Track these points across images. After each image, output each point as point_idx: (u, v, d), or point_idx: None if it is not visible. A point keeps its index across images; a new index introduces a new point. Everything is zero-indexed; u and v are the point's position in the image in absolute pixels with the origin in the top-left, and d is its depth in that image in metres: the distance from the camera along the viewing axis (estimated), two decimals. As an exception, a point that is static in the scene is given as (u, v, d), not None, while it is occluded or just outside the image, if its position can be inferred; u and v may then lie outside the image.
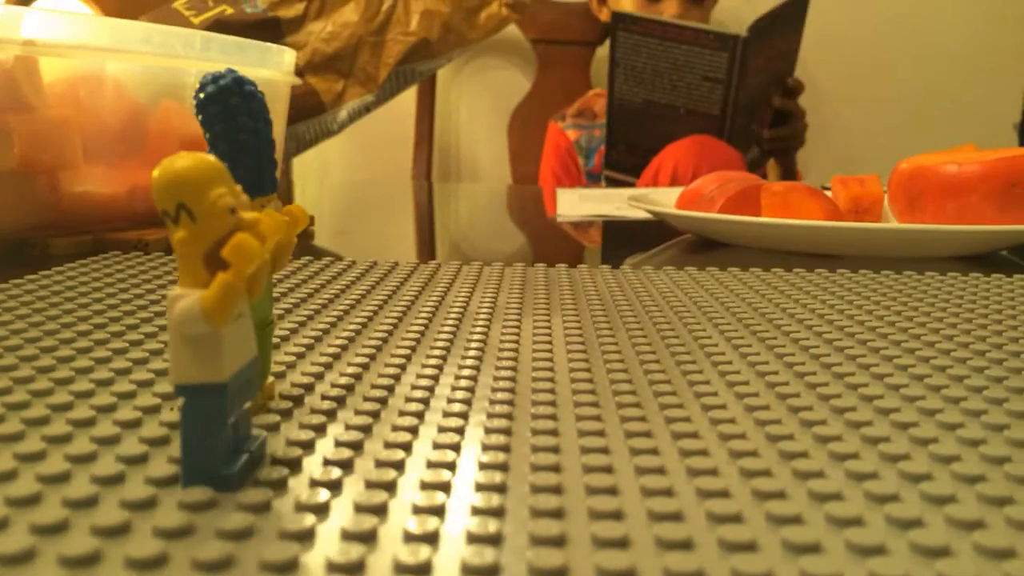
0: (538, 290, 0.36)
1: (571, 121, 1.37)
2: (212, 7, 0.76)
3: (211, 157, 0.17)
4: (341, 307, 0.33)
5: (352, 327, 0.29)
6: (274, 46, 0.56)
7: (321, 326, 0.30)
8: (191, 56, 0.49)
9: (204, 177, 0.17)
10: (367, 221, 0.73)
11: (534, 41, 1.51)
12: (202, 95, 0.21)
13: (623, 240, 0.65)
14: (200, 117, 0.21)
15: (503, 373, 0.24)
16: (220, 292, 0.17)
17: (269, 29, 0.78)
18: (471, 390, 0.23)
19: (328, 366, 0.25)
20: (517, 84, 1.56)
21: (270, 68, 0.55)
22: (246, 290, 0.17)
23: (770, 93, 1.17)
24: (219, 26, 0.75)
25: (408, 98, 1.52)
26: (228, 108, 0.21)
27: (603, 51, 1.54)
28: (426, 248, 0.61)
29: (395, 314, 0.31)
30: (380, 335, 0.28)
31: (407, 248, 0.61)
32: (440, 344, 0.27)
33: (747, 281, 0.40)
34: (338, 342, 0.27)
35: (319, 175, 1.67)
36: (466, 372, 0.24)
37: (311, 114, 0.79)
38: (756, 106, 1.15)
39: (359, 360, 0.25)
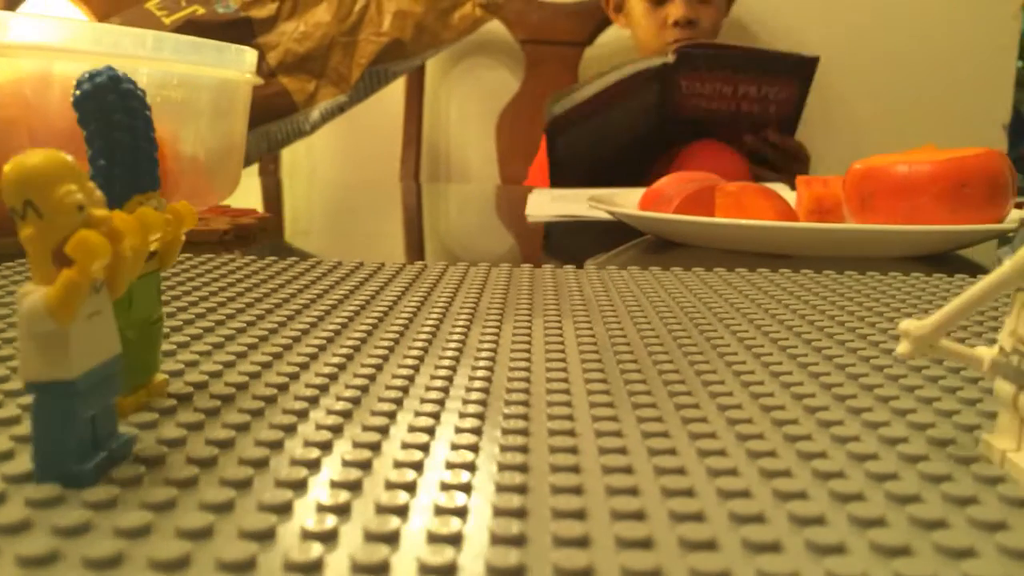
0: (544, 291, 0.36)
1: None
2: (184, 7, 0.77)
3: (63, 155, 0.18)
4: (322, 307, 0.32)
5: (332, 327, 0.29)
6: (233, 46, 0.56)
7: (300, 326, 0.29)
8: (142, 56, 0.49)
9: (52, 174, 0.17)
10: (355, 221, 0.73)
11: (523, 41, 1.51)
12: (77, 92, 0.21)
13: (588, 240, 0.65)
14: (77, 115, 0.21)
15: (478, 374, 0.24)
16: (63, 289, 0.17)
17: (241, 29, 0.78)
18: (469, 388, 0.23)
19: (305, 366, 0.25)
20: (506, 84, 1.56)
21: (228, 68, 0.55)
22: (108, 288, 0.17)
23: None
24: (190, 26, 0.76)
25: (397, 98, 1.53)
26: (103, 106, 0.21)
27: (592, 51, 1.54)
28: (414, 249, 0.61)
29: (397, 316, 0.31)
30: (376, 335, 0.29)
31: (395, 249, 0.61)
32: (451, 345, 0.28)
33: (732, 281, 0.40)
34: (316, 342, 0.27)
35: (308, 175, 1.67)
36: (443, 370, 0.25)
37: (283, 114, 0.79)
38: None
39: (336, 360, 0.25)
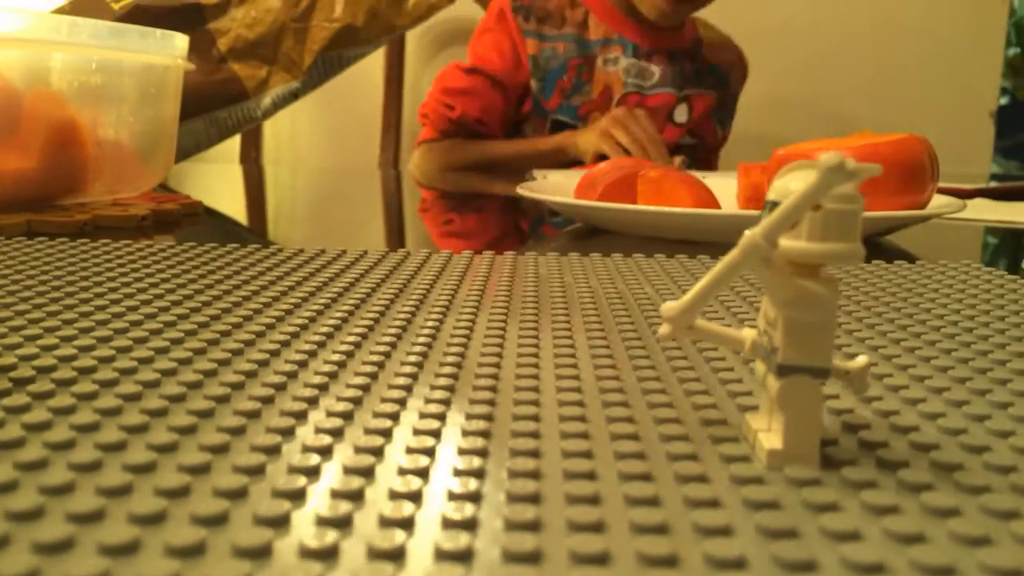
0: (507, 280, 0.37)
1: (531, 24, 1.12)
2: (134, -7, 0.77)
3: None
4: (301, 294, 0.32)
5: (308, 313, 0.29)
6: (158, 31, 0.56)
7: (290, 311, 0.29)
8: (57, 42, 0.50)
9: None
10: (338, 209, 0.73)
11: (501, 27, 1.51)
12: None
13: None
14: None
15: (443, 366, 0.24)
16: None
17: (191, 15, 0.78)
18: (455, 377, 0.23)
19: (313, 354, 0.25)
20: (486, 70, 1.55)
21: (152, 53, 0.56)
22: None
23: None
24: (139, 12, 0.76)
25: (376, 84, 1.52)
26: None
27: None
28: (395, 236, 0.61)
29: (372, 302, 0.32)
30: (378, 328, 0.29)
31: (377, 236, 0.61)
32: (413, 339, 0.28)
33: (645, 268, 0.40)
34: (324, 329, 0.27)
35: (292, 163, 1.67)
36: (452, 356, 0.25)
37: (233, 100, 0.79)
38: None
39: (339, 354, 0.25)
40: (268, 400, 0.21)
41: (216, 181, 1.01)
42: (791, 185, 0.17)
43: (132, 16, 0.76)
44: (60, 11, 0.78)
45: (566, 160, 1.01)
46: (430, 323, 0.29)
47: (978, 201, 0.79)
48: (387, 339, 0.26)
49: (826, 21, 1.54)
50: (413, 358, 0.24)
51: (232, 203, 0.81)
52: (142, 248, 0.42)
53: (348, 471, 0.17)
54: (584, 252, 0.44)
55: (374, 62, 1.50)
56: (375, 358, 0.24)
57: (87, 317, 0.28)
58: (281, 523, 0.15)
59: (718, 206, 0.55)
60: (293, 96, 0.83)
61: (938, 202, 0.53)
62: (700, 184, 0.54)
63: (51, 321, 0.28)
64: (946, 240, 0.59)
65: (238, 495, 0.16)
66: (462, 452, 0.18)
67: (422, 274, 0.37)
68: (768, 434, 0.18)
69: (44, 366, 0.23)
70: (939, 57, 1.56)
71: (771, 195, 0.18)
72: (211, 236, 0.47)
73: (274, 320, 0.29)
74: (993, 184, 0.85)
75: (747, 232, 0.17)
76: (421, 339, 0.26)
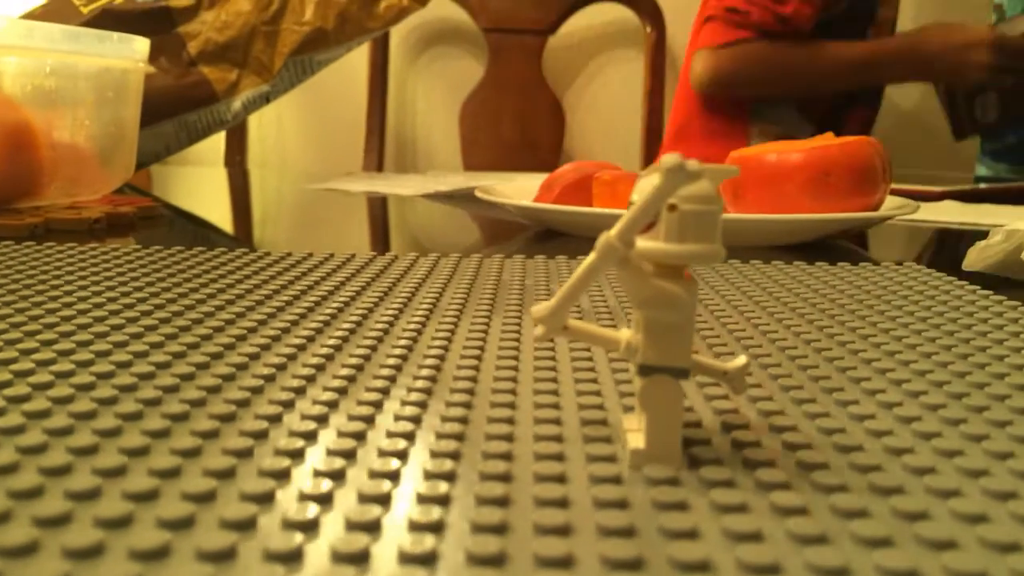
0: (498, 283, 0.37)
1: None
2: (103, -3, 0.77)
3: None
4: (287, 297, 0.32)
5: (297, 315, 0.29)
6: (115, 34, 0.56)
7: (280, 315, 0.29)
8: (11, 45, 0.50)
9: None
10: (323, 214, 0.73)
11: (486, 30, 1.51)
12: None
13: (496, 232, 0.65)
14: None
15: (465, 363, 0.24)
16: None
17: (160, 19, 0.78)
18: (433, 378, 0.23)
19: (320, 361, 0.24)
20: (472, 73, 1.56)
21: (109, 57, 0.56)
22: None
23: None
24: (107, 16, 0.76)
25: (363, 88, 1.53)
26: None
27: (555, 40, 1.54)
28: (380, 240, 0.61)
29: (360, 308, 0.32)
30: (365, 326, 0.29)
31: (362, 240, 0.61)
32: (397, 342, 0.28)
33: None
34: (304, 333, 0.27)
35: (278, 166, 1.68)
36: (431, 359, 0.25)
37: (203, 104, 0.79)
38: None
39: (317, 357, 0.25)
40: (243, 403, 0.21)
41: (200, 184, 1.01)
42: (649, 185, 0.18)
43: (101, 20, 0.76)
44: (30, 15, 0.78)
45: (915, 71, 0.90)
46: (407, 328, 0.29)
47: (947, 203, 0.79)
48: (367, 342, 0.26)
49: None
50: (387, 368, 0.24)
51: (215, 206, 0.81)
52: (86, 251, 0.42)
53: (319, 474, 0.17)
54: (551, 255, 0.44)
55: (359, 64, 1.50)
56: (354, 359, 0.24)
57: (36, 321, 0.28)
58: (247, 526, 0.15)
59: (673, 208, 0.55)
60: (264, 99, 0.83)
61: (891, 204, 0.53)
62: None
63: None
64: (909, 242, 0.59)
65: (206, 498, 0.16)
66: (434, 455, 0.18)
67: (384, 278, 0.37)
68: (635, 434, 0.18)
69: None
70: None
71: (634, 195, 0.18)
72: (166, 239, 0.47)
73: (223, 324, 0.28)
74: (964, 187, 0.85)
75: (603, 235, 0.17)
76: (379, 341, 0.27)
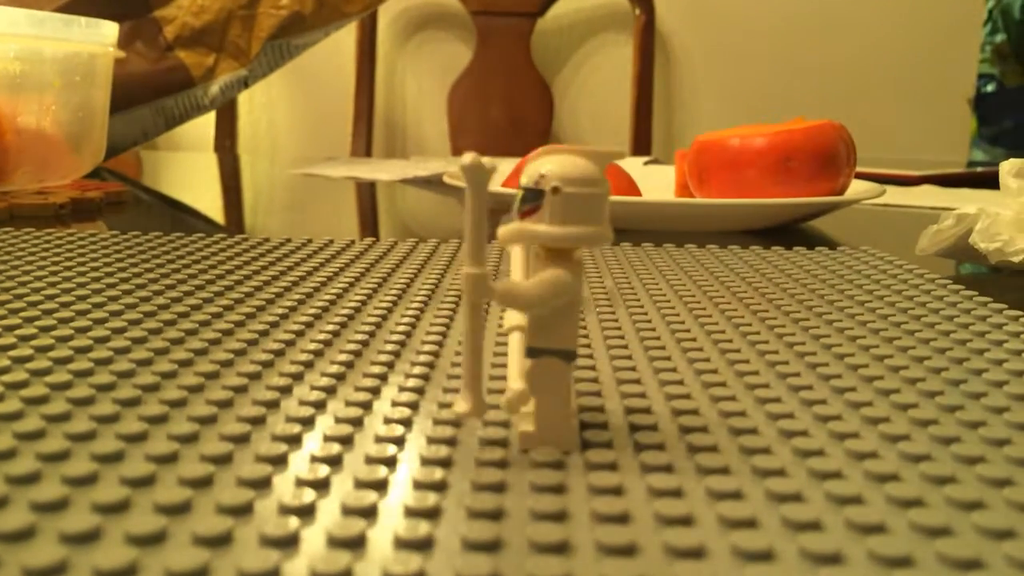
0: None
1: None
2: (78, -19, 0.77)
3: None
4: (280, 285, 0.32)
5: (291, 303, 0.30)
6: (84, 19, 0.56)
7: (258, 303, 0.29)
8: (-30, 30, 0.50)
9: None
10: (303, 199, 0.73)
11: (474, 13, 1.50)
12: None
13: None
14: None
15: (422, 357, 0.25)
16: None
17: (136, 3, 0.78)
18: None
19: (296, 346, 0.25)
20: (461, 57, 1.55)
21: (77, 41, 0.56)
22: None
23: None
24: (83, 1, 0.75)
25: (351, 72, 1.52)
26: None
27: (543, 23, 1.53)
28: (368, 225, 0.61)
29: (351, 293, 0.32)
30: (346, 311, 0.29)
31: (350, 226, 0.61)
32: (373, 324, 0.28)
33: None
34: (303, 318, 0.27)
35: (268, 151, 1.67)
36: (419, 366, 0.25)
37: (179, 88, 0.79)
38: None
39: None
40: (240, 389, 0.21)
41: (186, 169, 1.01)
42: (541, 169, 0.18)
43: (77, 5, 0.75)
44: (2, 2, 0.78)
45: None
46: (405, 314, 0.29)
47: (925, 188, 0.79)
48: (365, 328, 0.26)
49: (800, 6, 1.54)
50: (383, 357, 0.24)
51: (200, 191, 0.81)
52: (51, 237, 0.42)
53: (316, 459, 0.17)
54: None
55: (346, 49, 1.50)
56: (351, 346, 0.25)
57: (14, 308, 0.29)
58: (244, 511, 0.15)
59: (638, 193, 0.55)
60: (242, 84, 0.83)
61: (856, 188, 0.53)
62: (621, 171, 0.54)
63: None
64: (876, 227, 0.59)
65: (202, 483, 0.16)
66: (431, 441, 0.18)
67: (359, 262, 0.37)
68: (526, 416, 0.18)
69: None
70: (916, 45, 1.55)
71: (523, 179, 0.18)
72: (133, 224, 0.48)
73: (220, 310, 0.28)
74: (948, 172, 0.85)
75: (464, 270, 0.17)
76: (376, 327, 0.27)
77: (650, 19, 1.51)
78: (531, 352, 0.18)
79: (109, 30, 0.59)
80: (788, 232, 0.50)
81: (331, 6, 0.82)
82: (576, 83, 1.59)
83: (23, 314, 0.27)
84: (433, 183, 0.79)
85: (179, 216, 0.62)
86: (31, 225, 0.47)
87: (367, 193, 0.76)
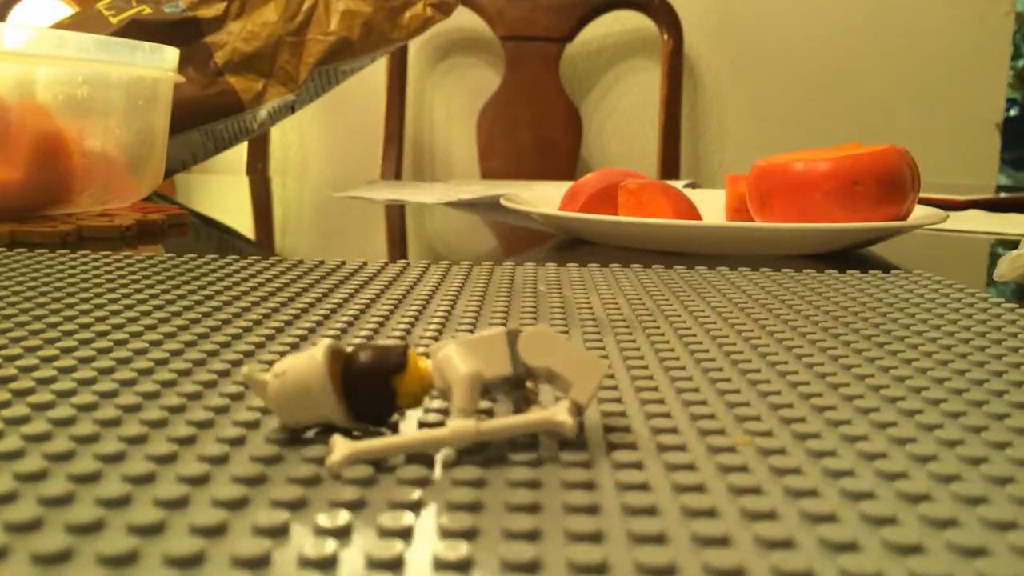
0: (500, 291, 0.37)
1: None
2: (132, 7, 0.78)
3: None
4: (272, 305, 0.33)
5: (277, 323, 0.30)
6: (148, 44, 0.57)
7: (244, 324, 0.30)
8: (45, 55, 0.50)
9: None
10: (342, 221, 0.73)
11: (503, 38, 1.52)
12: None
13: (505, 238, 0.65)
14: None
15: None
16: None
17: (188, 29, 0.79)
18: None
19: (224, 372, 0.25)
20: (489, 81, 1.56)
21: (140, 66, 0.56)
22: None
23: None
24: (135, 26, 0.77)
25: (382, 96, 1.54)
26: None
27: (572, 48, 1.54)
28: (397, 247, 0.61)
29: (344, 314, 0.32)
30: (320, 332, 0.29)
31: (378, 247, 0.61)
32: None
33: (625, 278, 0.40)
34: (255, 339, 0.28)
35: (299, 174, 1.69)
36: None
37: (229, 113, 0.80)
38: None
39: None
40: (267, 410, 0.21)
41: (223, 192, 1.02)
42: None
43: (130, 30, 0.76)
44: (60, 25, 0.79)
45: None
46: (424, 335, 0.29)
47: (972, 212, 0.79)
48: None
49: (829, 32, 1.54)
50: None
51: (238, 214, 0.81)
52: (120, 259, 0.43)
53: (348, 481, 0.17)
54: (561, 263, 0.44)
55: (377, 73, 1.51)
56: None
57: (55, 328, 0.29)
58: (280, 532, 0.15)
59: (699, 217, 0.55)
60: (289, 109, 0.83)
61: (920, 213, 0.53)
62: (680, 195, 0.54)
63: (17, 332, 0.28)
64: (937, 251, 0.59)
65: (239, 505, 0.16)
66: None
67: (396, 283, 0.37)
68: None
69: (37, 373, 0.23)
70: (944, 70, 1.56)
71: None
72: (196, 247, 0.48)
73: (240, 331, 0.29)
74: (988, 196, 0.84)
75: (459, 424, 0.18)
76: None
77: (678, 44, 1.51)
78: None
79: (171, 55, 0.59)
80: (843, 256, 0.50)
81: (378, 32, 0.83)
82: (604, 107, 1.60)
83: (77, 336, 0.28)
84: (479, 206, 0.79)
85: (236, 240, 0.63)
86: (96, 247, 0.47)
87: (404, 216, 0.76)
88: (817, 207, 0.50)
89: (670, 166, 1.50)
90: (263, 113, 0.82)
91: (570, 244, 0.55)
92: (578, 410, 0.19)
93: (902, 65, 1.55)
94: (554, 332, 0.20)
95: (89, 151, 0.54)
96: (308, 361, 0.20)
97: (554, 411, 0.19)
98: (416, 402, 0.20)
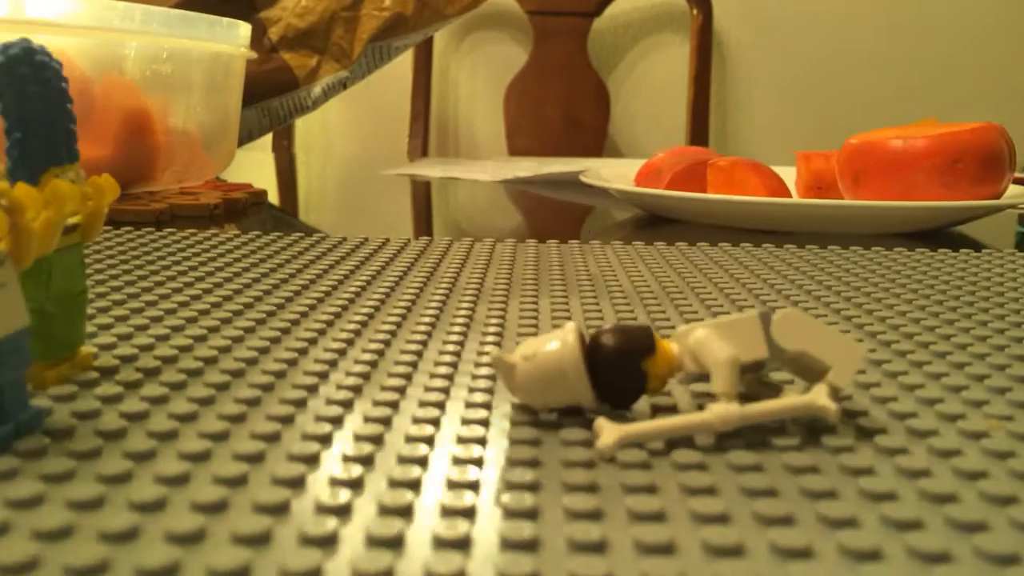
0: (550, 267, 0.37)
1: None
2: (186, -18, 0.77)
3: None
4: (328, 283, 0.32)
5: (339, 302, 0.29)
6: (225, 20, 0.56)
7: (308, 302, 0.29)
8: (130, 30, 0.50)
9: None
10: (367, 197, 0.73)
11: (530, 12, 1.50)
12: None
13: (566, 216, 0.65)
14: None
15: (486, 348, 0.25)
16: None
17: (241, 4, 0.78)
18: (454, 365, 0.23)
19: (313, 341, 0.25)
20: (515, 57, 1.55)
21: (220, 42, 0.56)
22: (13, 260, 0.17)
23: None
24: (193, 1, 0.75)
25: (406, 73, 1.52)
26: (17, 78, 0.20)
27: (600, 22, 1.53)
28: (421, 224, 0.61)
29: (404, 291, 0.32)
30: (384, 310, 0.29)
31: (401, 224, 0.61)
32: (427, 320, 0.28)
33: (715, 257, 0.40)
34: (324, 317, 0.27)
35: (324, 150, 1.67)
36: (451, 345, 0.25)
37: (284, 90, 0.79)
38: None
39: (345, 336, 0.25)
40: (313, 388, 0.21)
41: (251, 168, 1.01)
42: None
43: (187, 5, 0.75)
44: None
45: None
46: (462, 311, 0.29)
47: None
48: (423, 326, 0.27)
49: (861, 9, 1.53)
50: (448, 356, 0.24)
51: (286, 191, 0.81)
52: (220, 237, 0.42)
53: (347, 459, 0.17)
54: (649, 241, 0.44)
55: (404, 50, 1.50)
56: (408, 356, 0.24)
57: (170, 300, 0.29)
58: (281, 510, 0.15)
59: (789, 194, 0.54)
60: (342, 85, 0.82)
61: (1014, 191, 0.53)
62: (771, 172, 0.54)
63: (152, 311, 0.28)
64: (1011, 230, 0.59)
65: (237, 483, 0.16)
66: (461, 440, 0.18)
67: (447, 261, 0.37)
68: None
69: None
70: (1009, 43, 1.53)
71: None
72: (276, 225, 0.47)
73: (307, 308, 0.29)
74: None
75: (724, 408, 0.18)
76: (457, 327, 0.27)
77: (707, 19, 1.50)
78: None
79: (244, 31, 0.59)
80: (934, 235, 0.50)
81: (432, 8, 0.82)
82: (632, 83, 1.59)
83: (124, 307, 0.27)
84: (533, 183, 0.78)
85: (284, 218, 0.62)
86: (185, 225, 0.47)
87: (422, 192, 0.75)
88: (916, 185, 0.49)
89: (698, 142, 1.49)
90: (317, 90, 0.81)
91: (649, 221, 0.55)
92: (836, 394, 0.19)
93: (938, 39, 1.53)
94: (808, 315, 0.20)
95: (172, 128, 0.53)
96: (559, 343, 0.19)
97: (814, 395, 0.19)
98: (662, 385, 0.20)
